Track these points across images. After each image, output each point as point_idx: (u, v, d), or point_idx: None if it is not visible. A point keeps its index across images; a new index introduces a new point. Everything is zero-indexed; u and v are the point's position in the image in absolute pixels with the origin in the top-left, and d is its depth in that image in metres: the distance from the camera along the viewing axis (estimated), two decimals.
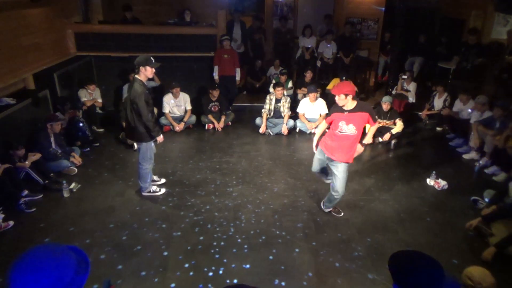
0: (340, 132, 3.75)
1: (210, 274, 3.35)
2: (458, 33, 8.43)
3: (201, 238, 3.85)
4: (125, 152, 5.81)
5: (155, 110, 6.83)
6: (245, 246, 3.73)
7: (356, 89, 3.76)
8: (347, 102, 3.62)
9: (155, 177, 4.78)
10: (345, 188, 3.99)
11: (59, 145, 5.21)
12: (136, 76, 4.04)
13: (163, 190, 4.65)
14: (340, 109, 3.72)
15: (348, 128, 3.71)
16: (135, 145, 5.30)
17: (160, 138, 4.32)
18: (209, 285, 3.23)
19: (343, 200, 4.59)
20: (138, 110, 4.01)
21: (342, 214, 4.29)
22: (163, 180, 4.87)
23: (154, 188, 4.62)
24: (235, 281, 3.29)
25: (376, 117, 3.75)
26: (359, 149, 3.94)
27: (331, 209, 4.30)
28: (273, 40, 9.44)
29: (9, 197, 4.22)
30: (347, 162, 3.85)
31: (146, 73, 4.01)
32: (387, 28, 8.96)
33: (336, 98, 3.63)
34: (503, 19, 7.36)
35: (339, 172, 3.86)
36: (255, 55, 8.63)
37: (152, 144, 4.41)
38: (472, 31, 7.36)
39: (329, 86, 7.67)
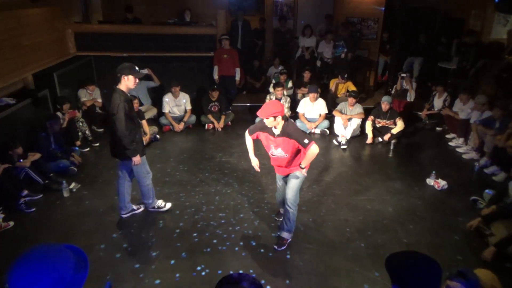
0: (272, 155, 3.51)
1: (210, 274, 3.35)
2: (458, 33, 8.43)
3: (201, 238, 3.84)
4: None
5: (155, 111, 6.90)
6: (245, 246, 3.73)
7: (282, 109, 3.24)
8: (277, 123, 3.27)
9: (134, 206, 4.25)
10: (299, 200, 3.63)
11: (59, 145, 5.21)
12: (117, 86, 3.60)
13: (168, 205, 4.29)
14: (270, 131, 3.39)
15: (277, 152, 3.44)
16: None
17: (136, 160, 3.73)
18: (209, 285, 3.23)
19: (343, 200, 4.60)
20: (116, 123, 3.55)
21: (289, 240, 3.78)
22: (142, 208, 4.30)
23: (159, 203, 4.25)
24: None
25: (306, 141, 3.25)
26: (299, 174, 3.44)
27: (289, 239, 3.76)
28: (272, 40, 9.45)
29: (9, 197, 4.22)
30: (298, 171, 3.49)
31: (128, 82, 3.57)
32: (386, 28, 8.96)
33: (265, 121, 3.28)
34: (503, 19, 7.36)
35: (291, 179, 3.54)
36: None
37: (144, 157, 3.91)
38: (468, 32, 7.37)
39: (330, 86, 7.70)
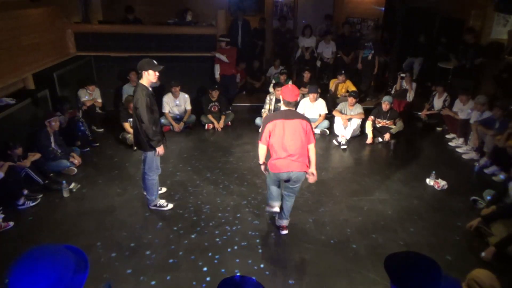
0: None
1: (210, 274, 3.35)
2: (457, 33, 8.43)
3: (201, 238, 3.84)
4: (125, 152, 5.81)
5: None
6: (245, 246, 3.73)
7: (296, 94, 3.49)
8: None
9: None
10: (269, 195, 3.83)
11: (59, 145, 5.20)
12: (140, 81, 3.83)
13: (170, 205, 4.34)
14: None
15: None
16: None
17: (160, 149, 3.98)
18: (209, 285, 3.23)
19: (343, 200, 4.61)
20: (140, 116, 3.77)
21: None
22: (164, 189, 4.58)
23: (161, 202, 4.33)
24: None
25: (259, 136, 3.51)
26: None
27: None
28: (272, 40, 9.46)
29: (10, 196, 4.22)
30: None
31: (149, 77, 3.79)
32: (386, 28, 8.96)
33: None
34: (503, 19, 7.36)
35: None
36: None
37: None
38: (468, 30, 7.36)
39: (330, 87, 7.71)
